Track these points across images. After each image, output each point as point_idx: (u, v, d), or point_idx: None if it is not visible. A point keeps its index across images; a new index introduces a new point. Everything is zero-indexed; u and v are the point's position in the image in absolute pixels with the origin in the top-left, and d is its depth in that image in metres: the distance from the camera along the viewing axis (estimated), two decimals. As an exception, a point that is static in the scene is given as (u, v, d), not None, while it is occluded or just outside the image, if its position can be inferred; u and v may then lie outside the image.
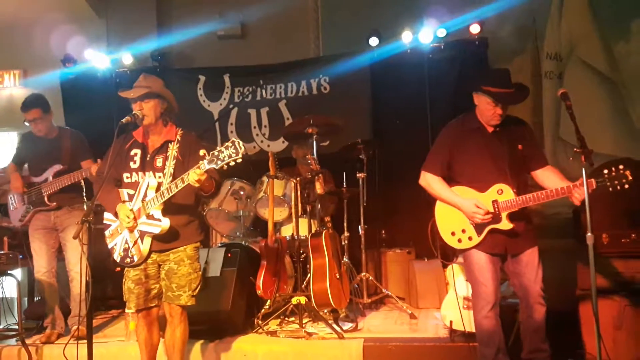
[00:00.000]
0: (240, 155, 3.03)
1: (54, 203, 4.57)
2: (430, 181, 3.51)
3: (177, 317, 3.42)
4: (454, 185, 3.47)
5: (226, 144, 3.05)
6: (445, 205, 3.49)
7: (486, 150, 3.39)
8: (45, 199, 4.55)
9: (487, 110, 3.34)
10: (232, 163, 3.05)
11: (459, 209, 3.38)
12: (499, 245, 3.36)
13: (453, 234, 3.45)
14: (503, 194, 3.30)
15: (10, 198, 4.76)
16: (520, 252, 3.38)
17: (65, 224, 4.60)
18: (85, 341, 3.08)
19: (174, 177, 3.34)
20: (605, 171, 3.10)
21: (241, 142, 3.04)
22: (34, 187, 4.61)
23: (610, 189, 3.09)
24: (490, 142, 3.40)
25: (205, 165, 3.09)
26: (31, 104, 4.54)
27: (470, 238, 3.38)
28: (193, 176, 3.11)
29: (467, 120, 3.50)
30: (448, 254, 4.39)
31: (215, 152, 3.07)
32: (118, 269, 4.54)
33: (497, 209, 3.30)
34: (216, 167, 3.07)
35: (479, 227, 3.35)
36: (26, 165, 4.80)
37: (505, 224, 3.30)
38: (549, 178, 3.40)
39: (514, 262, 3.42)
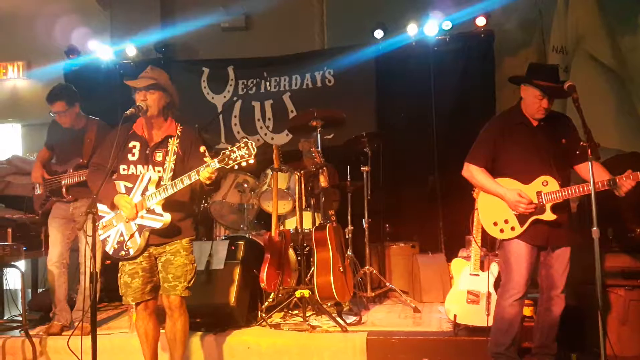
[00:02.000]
0: (252, 157, 3.04)
1: (70, 196, 4.55)
2: (474, 172, 3.55)
3: (177, 310, 3.42)
4: (498, 177, 3.50)
5: (238, 144, 3.06)
6: (488, 196, 3.52)
7: (531, 143, 3.44)
8: (63, 190, 4.55)
9: (533, 103, 3.40)
10: (244, 163, 3.06)
11: (502, 199, 3.42)
12: (541, 236, 3.40)
13: (495, 224, 3.48)
14: (548, 185, 3.35)
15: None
16: (561, 245, 3.42)
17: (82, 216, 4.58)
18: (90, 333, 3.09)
19: (174, 172, 3.34)
20: None
21: (254, 144, 3.05)
22: (56, 175, 4.61)
23: None
24: (535, 136, 3.45)
25: (216, 164, 3.09)
26: (56, 96, 4.49)
27: (512, 228, 3.41)
28: (204, 174, 3.12)
29: (512, 114, 3.56)
30: (453, 247, 4.39)
31: (227, 152, 3.08)
32: (109, 261, 4.53)
33: (541, 200, 3.34)
34: (227, 167, 3.08)
35: (522, 218, 3.38)
36: None
37: (549, 215, 3.34)
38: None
39: (547, 254, 3.46)
